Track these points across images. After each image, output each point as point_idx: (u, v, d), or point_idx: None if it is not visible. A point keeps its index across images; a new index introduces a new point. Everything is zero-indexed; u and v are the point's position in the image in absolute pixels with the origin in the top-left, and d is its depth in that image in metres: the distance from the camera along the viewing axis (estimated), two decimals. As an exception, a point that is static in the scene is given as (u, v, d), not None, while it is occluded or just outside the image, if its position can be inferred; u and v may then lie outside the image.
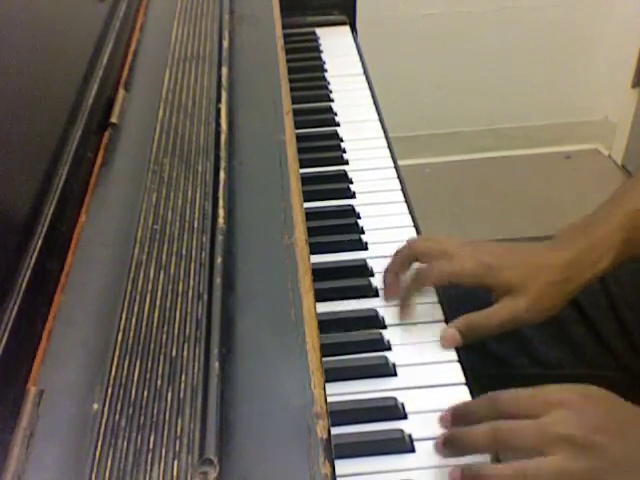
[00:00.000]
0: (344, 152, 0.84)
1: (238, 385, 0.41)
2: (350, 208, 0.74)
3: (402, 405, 0.54)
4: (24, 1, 0.64)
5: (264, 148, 0.61)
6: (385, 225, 0.72)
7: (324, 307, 0.62)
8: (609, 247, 0.59)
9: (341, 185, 0.78)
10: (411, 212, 0.74)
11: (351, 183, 0.79)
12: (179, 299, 0.45)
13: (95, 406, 0.39)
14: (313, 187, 0.76)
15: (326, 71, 1.01)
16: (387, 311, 0.62)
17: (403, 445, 0.51)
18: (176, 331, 0.43)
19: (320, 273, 0.61)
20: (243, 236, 0.52)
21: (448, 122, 2.04)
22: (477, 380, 0.57)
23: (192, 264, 0.48)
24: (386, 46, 1.86)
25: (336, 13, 1.12)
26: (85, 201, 0.53)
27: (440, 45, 1.91)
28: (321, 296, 0.59)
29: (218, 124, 0.61)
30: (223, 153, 0.58)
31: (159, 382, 0.40)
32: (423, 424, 0.52)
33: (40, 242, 0.45)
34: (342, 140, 0.86)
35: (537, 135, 2.07)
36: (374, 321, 0.61)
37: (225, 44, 0.73)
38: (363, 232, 0.72)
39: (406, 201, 0.76)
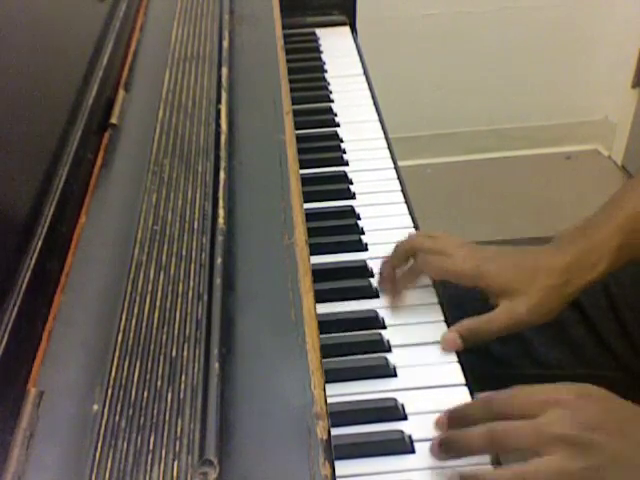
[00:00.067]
0: (344, 153, 0.84)
1: (238, 385, 0.41)
2: (350, 209, 0.74)
3: (402, 406, 0.54)
4: (24, 1, 0.64)
5: (264, 148, 0.61)
6: (385, 226, 0.72)
7: (324, 308, 0.62)
8: (608, 250, 0.58)
9: (341, 186, 0.78)
10: (411, 213, 0.74)
11: (351, 184, 0.79)
12: (179, 300, 0.45)
13: (95, 407, 0.39)
14: (313, 188, 0.76)
15: (326, 72, 1.01)
16: (387, 312, 0.62)
17: (403, 446, 0.51)
18: (176, 332, 0.43)
19: (320, 274, 0.61)
20: (243, 236, 0.52)
21: (448, 122, 2.04)
22: (477, 381, 0.57)
23: (192, 265, 0.48)
24: (386, 46, 1.86)
25: (336, 13, 1.12)
26: (85, 202, 0.53)
27: (440, 45, 1.91)
28: (321, 297, 0.59)
29: (218, 124, 0.61)
30: (223, 153, 0.58)
31: (159, 383, 0.40)
32: (423, 425, 0.52)
33: (40, 243, 0.45)
34: (342, 141, 0.86)
35: (537, 135, 2.07)
36: (374, 322, 0.61)
37: (225, 44, 0.73)
38: (363, 233, 0.72)
39: (406, 202, 0.76)
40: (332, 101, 0.94)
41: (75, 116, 0.57)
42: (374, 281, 0.65)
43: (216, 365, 0.41)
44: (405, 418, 0.54)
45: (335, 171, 0.80)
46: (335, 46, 1.07)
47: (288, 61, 0.76)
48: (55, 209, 0.48)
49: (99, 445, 0.37)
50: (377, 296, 0.64)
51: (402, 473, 0.50)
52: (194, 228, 0.51)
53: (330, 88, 0.97)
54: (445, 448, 0.49)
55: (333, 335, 0.60)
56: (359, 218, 0.74)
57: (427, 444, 0.51)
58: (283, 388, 0.41)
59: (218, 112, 0.63)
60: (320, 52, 1.06)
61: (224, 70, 0.69)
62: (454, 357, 0.59)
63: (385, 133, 0.87)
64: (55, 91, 0.58)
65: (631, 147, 1.98)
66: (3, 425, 0.37)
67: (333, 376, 0.55)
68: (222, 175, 0.55)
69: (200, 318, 0.44)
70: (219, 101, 0.64)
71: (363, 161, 0.82)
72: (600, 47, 1.95)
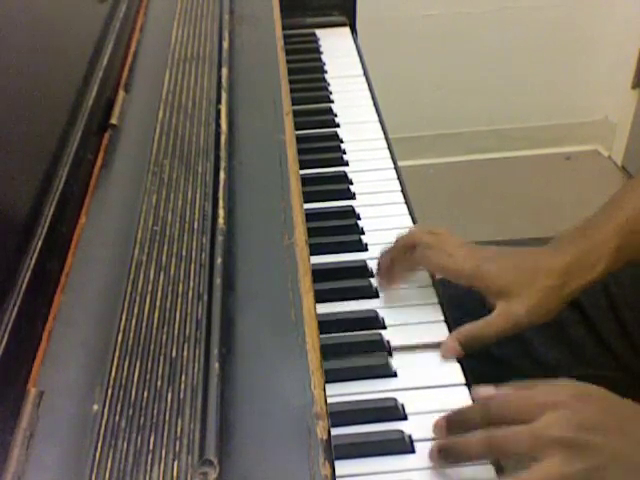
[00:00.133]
0: (344, 153, 0.84)
1: (238, 385, 0.41)
2: (350, 209, 0.74)
3: (402, 406, 0.54)
4: (24, 1, 0.64)
5: (264, 149, 0.61)
6: (385, 226, 0.72)
7: (324, 308, 0.62)
8: (607, 251, 0.58)
9: (341, 186, 0.78)
10: (411, 213, 0.74)
11: (351, 184, 0.79)
12: (179, 300, 0.45)
13: (95, 407, 0.39)
14: (313, 188, 0.76)
15: (326, 72, 1.01)
16: (387, 312, 0.62)
17: (403, 446, 0.51)
18: (176, 332, 0.43)
19: (320, 274, 0.61)
20: (243, 237, 0.52)
21: (448, 123, 2.04)
22: (477, 381, 0.57)
23: (192, 265, 0.48)
24: (386, 46, 1.86)
25: (336, 14, 1.12)
26: (85, 202, 0.53)
27: (440, 45, 1.91)
28: (321, 297, 0.59)
29: (218, 125, 0.61)
30: (223, 154, 0.58)
31: (159, 383, 0.40)
32: (423, 425, 0.52)
33: (40, 243, 0.45)
34: (342, 141, 0.86)
35: (537, 136, 2.07)
36: (374, 322, 0.61)
37: (225, 45, 0.73)
38: (363, 233, 0.72)
39: (406, 202, 0.76)
40: (332, 101, 0.94)
41: (75, 116, 0.57)
42: (374, 281, 0.65)
43: (216, 365, 0.41)
44: (405, 418, 0.54)
45: (335, 171, 0.80)
46: (335, 47, 1.08)
47: (288, 62, 0.76)
48: (55, 209, 0.48)
49: (99, 445, 0.37)
50: (377, 296, 0.64)
51: (402, 473, 0.50)
52: (194, 228, 0.51)
53: (330, 89, 0.97)
54: (444, 454, 0.49)
55: (333, 335, 0.59)
56: (359, 218, 0.74)
57: (427, 444, 0.51)
58: (283, 388, 0.41)
59: (218, 112, 0.63)
60: (320, 53, 1.06)
61: (224, 70, 0.69)
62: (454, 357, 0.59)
63: (385, 133, 0.87)
64: (55, 91, 0.58)
65: (631, 147, 1.98)
66: (3, 425, 0.37)
67: (333, 376, 0.55)
68: (222, 175, 0.55)
69: (200, 318, 0.44)
70: (219, 101, 0.64)
71: (363, 161, 0.82)
72: (600, 47, 1.95)
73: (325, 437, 0.38)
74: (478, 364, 0.59)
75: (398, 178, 0.79)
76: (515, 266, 0.60)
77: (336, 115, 0.91)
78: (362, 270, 0.67)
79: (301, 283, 0.48)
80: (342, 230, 0.72)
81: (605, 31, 1.92)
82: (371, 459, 0.51)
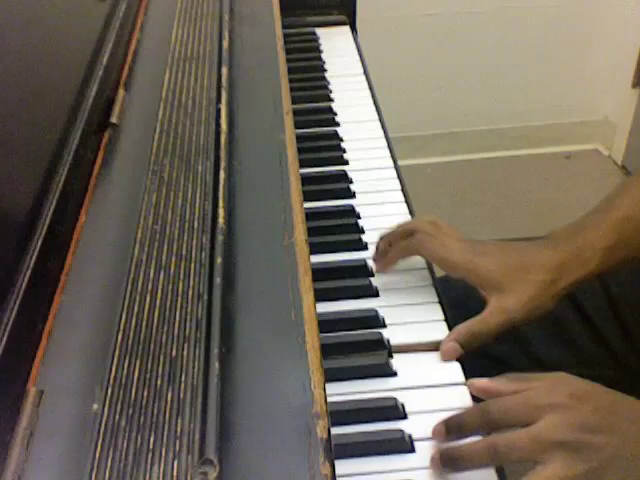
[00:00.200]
0: (344, 152, 0.84)
1: (238, 385, 0.41)
2: (350, 208, 0.74)
3: (402, 405, 0.54)
4: (24, 1, 0.64)
5: (264, 148, 0.61)
6: (385, 225, 0.72)
7: (324, 307, 0.62)
8: (599, 249, 0.59)
9: (341, 185, 0.78)
10: (411, 212, 0.74)
11: (351, 183, 0.79)
12: (179, 299, 0.45)
13: (95, 406, 0.39)
14: (313, 187, 0.76)
15: (326, 71, 1.01)
16: (387, 311, 0.62)
17: (403, 445, 0.51)
18: (176, 331, 0.43)
19: (320, 273, 0.61)
20: (243, 236, 0.52)
21: (448, 122, 2.04)
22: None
23: (192, 264, 0.48)
24: (386, 46, 1.86)
25: (336, 13, 1.12)
26: (85, 201, 0.53)
27: (440, 45, 1.91)
28: (321, 296, 0.59)
29: (218, 124, 0.61)
30: (223, 153, 0.58)
31: (159, 382, 0.40)
32: (423, 424, 0.52)
33: (40, 242, 0.45)
34: (342, 140, 0.86)
35: (537, 135, 2.07)
36: (374, 321, 0.61)
37: (225, 44, 0.73)
38: (363, 232, 0.72)
39: (406, 201, 0.76)
40: (332, 100, 0.94)
41: (75, 116, 0.57)
42: (374, 280, 0.65)
43: (216, 365, 0.41)
44: (405, 417, 0.54)
45: (335, 170, 0.80)
46: (335, 46, 1.07)
47: (288, 61, 0.76)
48: (55, 208, 0.48)
49: (99, 444, 0.37)
50: (377, 295, 0.64)
51: (402, 472, 0.50)
52: (194, 227, 0.51)
53: (330, 88, 0.97)
54: (446, 462, 0.49)
55: (333, 335, 0.59)
56: (359, 217, 0.74)
57: (427, 443, 0.51)
58: (283, 388, 0.41)
59: (218, 112, 0.63)
60: (320, 52, 1.06)
61: (224, 70, 0.69)
62: (454, 357, 0.59)
63: (385, 132, 0.87)
64: (55, 90, 0.58)
65: (631, 147, 1.98)
66: (3, 424, 0.37)
67: (333, 376, 0.55)
68: (222, 175, 0.55)
69: (200, 318, 0.44)
70: (219, 101, 0.64)
71: (363, 160, 0.82)
72: (600, 47, 1.95)
73: (325, 437, 0.38)
74: (478, 364, 0.59)
75: (398, 177, 0.79)
76: (508, 261, 0.60)
77: (336, 114, 0.91)
78: (362, 269, 0.67)
79: (301, 283, 0.48)
80: (342, 229, 0.72)
81: (605, 31, 1.92)
82: (371, 459, 0.51)
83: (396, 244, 0.65)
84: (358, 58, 1.04)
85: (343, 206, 0.75)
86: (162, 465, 0.36)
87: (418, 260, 0.67)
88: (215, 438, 0.37)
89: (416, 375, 0.57)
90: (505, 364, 0.72)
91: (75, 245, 0.49)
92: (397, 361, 0.58)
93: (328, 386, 0.43)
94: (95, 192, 0.54)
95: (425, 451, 0.51)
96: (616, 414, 0.47)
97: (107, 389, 0.39)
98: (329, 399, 0.41)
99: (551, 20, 1.90)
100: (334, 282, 0.65)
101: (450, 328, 0.61)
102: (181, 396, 0.39)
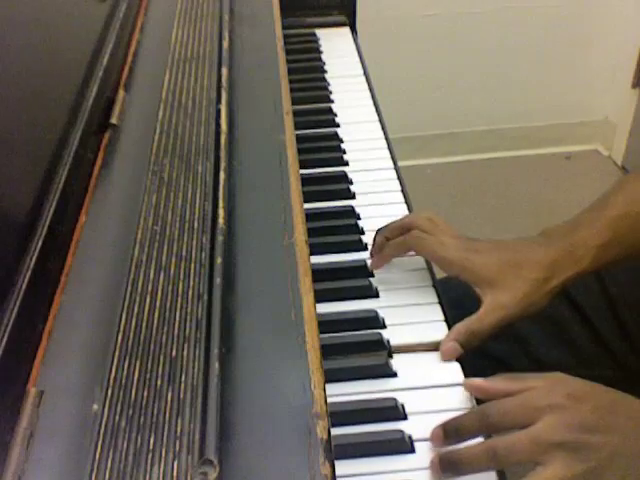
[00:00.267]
0: (344, 153, 0.84)
1: (238, 385, 0.41)
2: (350, 209, 0.74)
3: (402, 406, 0.54)
4: (24, 1, 0.64)
5: (264, 148, 0.61)
6: (385, 226, 0.72)
7: (324, 307, 0.62)
8: (590, 248, 0.59)
9: (341, 186, 0.78)
10: (411, 212, 0.74)
11: (351, 184, 0.79)
12: (179, 299, 0.45)
13: (95, 406, 0.39)
14: (313, 188, 0.75)
15: (326, 72, 1.01)
16: (387, 312, 0.62)
17: (403, 446, 0.51)
18: (176, 331, 0.43)
19: (320, 273, 0.61)
20: (243, 236, 0.52)
21: (448, 123, 2.04)
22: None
23: (192, 264, 0.48)
24: (386, 46, 1.86)
25: (336, 14, 1.12)
26: (85, 202, 0.53)
27: (440, 45, 1.91)
28: (321, 296, 0.59)
29: (218, 124, 0.61)
30: (223, 153, 0.58)
31: (159, 382, 0.40)
32: (423, 425, 0.52)
33: (40, 242, 0.45)
34: (342, 141, 0.86)
35: (537, 135, 2.07)
36: (374, 322, 0.61)
37: (225, 44, 0.73)
38: (363, 233, 0.72)
39: (406, 202, 0.76)
40: (332, 101, 0.94)
41: (75, 116, 0.57)
42: (374, 281, 0.65)
43: (216, 365, 0.41)
44: (405, 418, 0.54)
45: (335, 171, 0.80)
46: (335, 46, 1.07)
47: (288, 61, 0.76)
48: (55, 209, 0.48)
49: (99, 445, 0.37)
50: (377, 296, 0.64)
51: (402, 473, 0.50)
52: (194, 228, 0.51)
53: (330, 88, 0.97)
54: (446, 466, 0.49)
55: (333, 335, 0.59)
56: (359, 218, 0.74)
57: (427, 444, 0.51)
58: (283, 388, 0.41)
59: (218, 112, 0.63)
60: (320, 52, 1.06)
61: (224, 70, 0.69)
62: (454, 357, 0.59)
63: (385, 133, 0.87)
64: (55, 91, 0.58)
65: (631, 147, 1.98)
66: (3, 424, 0.37)
67: (333, 376, 0.55)
68: (222, 175, 0.55)
69: (200, 318, 0.44)
70: (219, 101, 0.64)
71: (363, 161, 0.82)
72: (600, 47, 1.95)
73: (325, 437, 0.38)
74: (478, 364, 0.59)
75: (398, 178, 0.79)
76: (503, 258, 0.60)
77: (336, 115, 0.91)
78: (362, 270, 0.67)
79: (301, 283, 0.48)
80: (342, 230, 0.72)
81: (605, 31, 1.92)
82: (371, 459, 0.51)
83: (392, 240, 0.65)
84: (358, 59, 1.04)
85: (343, 207, 0.75)
86: (162, 465, 0.36)
87: (418, 260, 0.67)
88: (215, 438, 0.37)
89: (416, 376, 0.57)
90: (505, 364, 0.72)
91: (75, 245, 0.49)
92: (397, 362, 0.58)
93: (328, 386, 0.43)
94: (95, 193, 0.54)
95: (425, 451, 0.51)
96: (615, 413, 0.47)
97: (107, 389, 0.40)
98: (329, 399, 0.41)
99: (551, 20, 1.90)
100: (334, 283, 0.65)
101: (450, 328, 0.61)
102: (181, 396, 0.39)
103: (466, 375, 0.57)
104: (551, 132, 2.07)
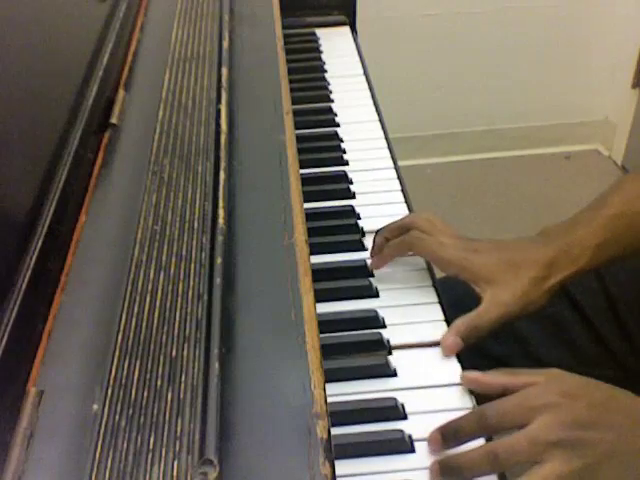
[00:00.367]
0: (344, 153, 0.84)
1: (238, 385, 0.41)
2: (350, 209, 0.74)
3: (402, 405, 0.54)
4: (24, 1, 0.64)
5: (264, 148, 0.61)
6: (385, 225, 0.72)
7: (324, 307, 0.62)
8: (588, 247, 0.60)
9: (341, 186, 0.78)
10: (411, 213, 0.74)
11: (351, 184, 0.79)
12: (179, 299, 0.45)
13: (95, 406, 0.39)
14: (313, 188, 0.75)
15: (326, 72, 1.01)
16: (387, 311, 0.63)
17: (403, 445, 0.51)
18: (176, 331, 0.43)
19: (320, 273, 0.61)
20: (243, 236, 0.52)
21: (448, 122, 2.04)
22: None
23: (192, 264, 0.48)
24: (386, 46, 1.86)
25: (336, 13, 1.12)
26: (85, 201, 0.53)
27: (440, 45, 1.91)
28: (321, 296, 0.59)
29: (218, 124, 0.61)
30: (223, 153, 0.58)
31: (159, 382, 0.40)
32: (423, 425, 0.52)
33: (40, 242, 0.45)
34: (342, 141, 0.86)
35: (537, 135, 2.07)
36: (374, 322, 0.61)
37: (225, 44, 0.73)
38: (363, 233, 0.72)
39: (406, 202, 0.76)
40: (332, 101, 0.94)
41: (75, 116, 0.57)
42: (374, 281, 0.65)
43: (216, 365, 0.41)
44: (405, 418, 0.54)
45: (335, 171, 0.80)
46: (335, 46, 1.07)
47: (288, 61, 0.76)
48: (55, 209, 0.48)
49: (99, 445, 0.37)
50: (377, 296, 0.64)
51: (402, 472, 0.50)
52: (194, 228, 0.51)
53: (330, 88, 0.97)
54: (446, 471, 0.49)
55: (333, 335, 0.60)
56: (359, 218, 0.74)
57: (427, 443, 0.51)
58: (283, 388, 0.41)
59: (218, 112, 0.63)
60: (320, 52, 1.06)
61: (224, 70, 0.69)
62: (454, 357, 0.59)
63: (385, 133, 0.87)
64: (55, 90, 0.58)
65: (631, 147, 1.98)
66: (3, 425, 0.37)
67: (333, 376, 0.55)
68: (222, 175, 0.55)
69: (200, 318, 0.44)
70: (219, 101, 0.64)
71: (363, 161, 0.82)
72: (600, 47, 1.95)
73: (325, 437, 0.38)
74: (478, 363, 0.59)
75: (398, 178, 0.79)
76: (501, 257, 0.61)
77: (336, 114, 0.91)
78: (362, 270, 0.67)
79: (301, 283, 0.48)
80: (342, 230, 0.72)
81: (605, 31, 1.92)
82: (371, 459, 0.51)
83: (391, 240, 0.65)
84: (358, 59, 1.04)
85: (343, 206, 0.75)
86: (162, 465, 0.36)
87: (418, 260, 0.67)
88: (215, 438, 0.37)
89: (416, 375, 0.57)
90: (505, 364, 0.72)
91: (75, 245, 0.49)
92: (397, 361, 0.58)
93: (328, 386, 0.43)
94: (95, 192, 0.54)
95: (425, 451, 0.51)
96: (611, 409, 0.48)
97: (107, 389, 0.40)
98: (329, 399, 0.41)
99: (551, 20, 1.90)
100: (334, 282, 0.65)
101: (450, 328, 0.61)
102: (181, 396, 0.39)
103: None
104: (551, 132, 2.07)
